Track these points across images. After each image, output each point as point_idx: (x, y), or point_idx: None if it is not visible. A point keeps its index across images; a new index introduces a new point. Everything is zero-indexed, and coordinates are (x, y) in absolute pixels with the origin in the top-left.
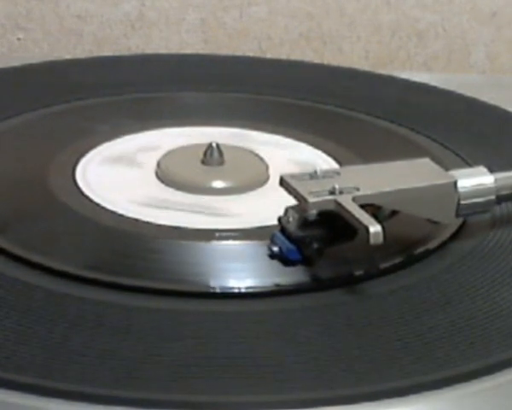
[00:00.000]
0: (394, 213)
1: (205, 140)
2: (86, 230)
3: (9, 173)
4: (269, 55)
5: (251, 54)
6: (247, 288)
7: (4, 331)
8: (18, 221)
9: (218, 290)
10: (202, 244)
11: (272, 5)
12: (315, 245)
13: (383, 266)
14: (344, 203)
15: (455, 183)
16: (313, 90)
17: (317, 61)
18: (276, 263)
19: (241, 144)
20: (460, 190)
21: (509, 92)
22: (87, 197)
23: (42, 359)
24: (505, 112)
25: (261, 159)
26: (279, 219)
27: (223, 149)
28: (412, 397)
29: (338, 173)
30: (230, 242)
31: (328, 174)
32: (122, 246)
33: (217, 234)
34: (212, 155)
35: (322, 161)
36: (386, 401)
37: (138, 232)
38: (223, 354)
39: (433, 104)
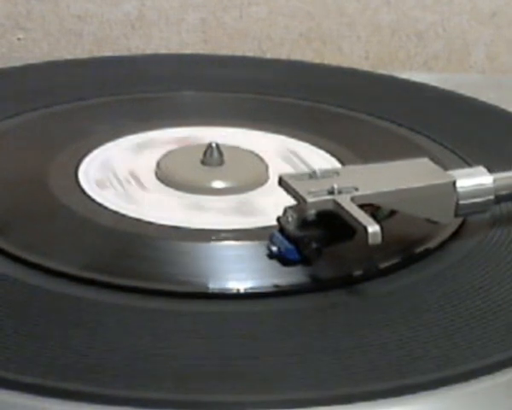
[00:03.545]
0: (393, 213)
1: (205, 140)
2: (86, 230)
3: (9, 173)
4: (269, 55)
5: (251, 54)
6: (246, 289)
7: (4, 331)
8: (19, 222)
9: (216, 291)
10: (202, 245)
11: (272, 5)
12: (314, 245)
13: (382, 266)
14: (343, 203)
15: (454, 183)
16: (313, 90)
17: (317, 61)
18: (274, 263)
19: (241, 144)
20: (459, 189)
21: (509, 92)
22: (89, 197)
23: (42, 359)
24: (505, 112)
25: (261, 159)
26: (278, 219)
27: (223, 149)
28: (411, 397)
29: (337, 173)
30: (229, 242)
31: (327, 174)
32: (122, 246)
33: (215, 235)
34: (211, 155)
35: (322, 160)
36: (385, 401)
37: (139, 233)
38: (222, 354)
39: (433, 104)
